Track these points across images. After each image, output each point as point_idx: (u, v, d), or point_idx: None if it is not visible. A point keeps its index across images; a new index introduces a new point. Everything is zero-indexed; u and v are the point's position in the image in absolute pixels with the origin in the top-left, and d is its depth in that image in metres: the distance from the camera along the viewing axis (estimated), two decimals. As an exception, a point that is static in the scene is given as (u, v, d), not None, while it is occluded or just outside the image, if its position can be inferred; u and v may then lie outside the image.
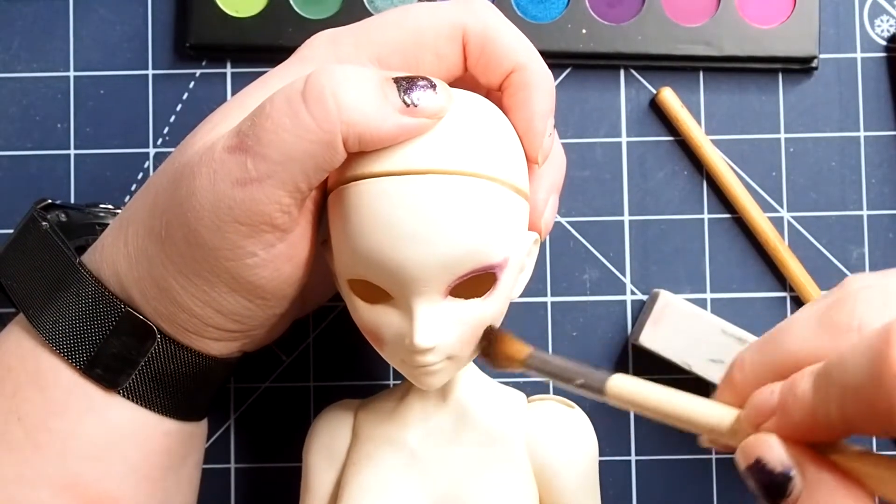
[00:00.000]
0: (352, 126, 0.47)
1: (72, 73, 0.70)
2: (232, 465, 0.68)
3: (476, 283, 0.51)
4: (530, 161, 0.53)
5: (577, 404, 0.58)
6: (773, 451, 0.42)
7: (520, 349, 0.51)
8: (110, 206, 0.63)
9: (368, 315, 0.52)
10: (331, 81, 0.48)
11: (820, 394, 0.41)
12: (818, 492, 0.41)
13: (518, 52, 0.53)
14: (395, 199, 0.48)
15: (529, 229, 0.54)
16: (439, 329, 0.50)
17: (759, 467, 0.42)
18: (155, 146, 0.69)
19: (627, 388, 0.47)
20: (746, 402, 0.44)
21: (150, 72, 0.70)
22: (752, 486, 0.43)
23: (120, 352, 0.55)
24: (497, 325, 0.53)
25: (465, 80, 0.55)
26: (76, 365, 0.54)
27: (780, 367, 0.44)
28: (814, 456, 0.42)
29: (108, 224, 0.62)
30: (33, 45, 0.70)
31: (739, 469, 0.43)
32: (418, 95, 0.49)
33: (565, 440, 0.55)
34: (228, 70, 0.70)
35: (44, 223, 0.57)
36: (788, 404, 0.42)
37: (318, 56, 0.54)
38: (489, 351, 0.52)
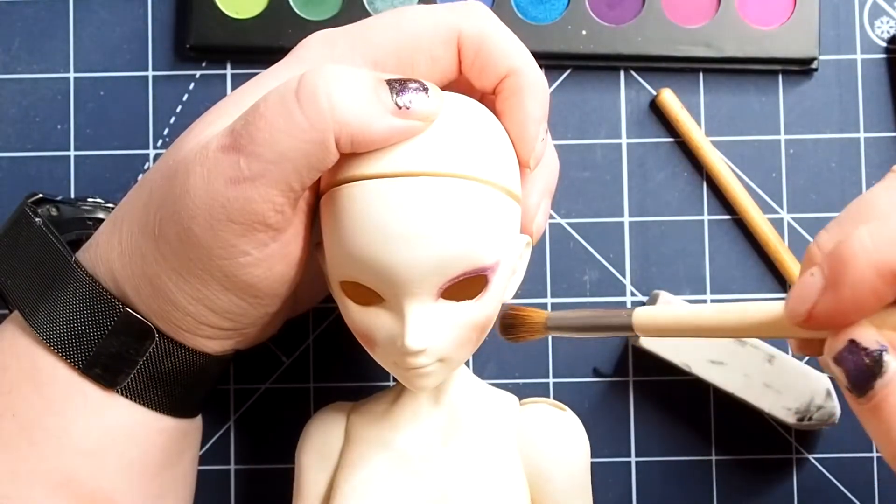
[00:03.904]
0: (344, 126, 0.48)
1: (72, 75, 0.70)
2: (232, 467, 0.68)
3: (467, 286, 0.51)
4: (522, 165, 0.54)
5: (574, 406, 0.58)
6: (866, 329, 0.41)
7: (538, 317, 0.51)
8: (100, 200, 0.63)
9: (360, 317, 0.52)
10: (324, 81, 0.48)
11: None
12: None
13: (513, 56, 0.53)
14: (386, 201, 0.48)
15: (521, 232, 0.54)
16: (431, 331, 0.50)
17: (851, 349, 0.42)
18: (155, 147, 0.70)
19: (655, 318, 0.47)
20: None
21: (150, 73, 0.70)
22: (843, 376, 0.42)
23: (119, 351, 0.55)
24: (489, 327, 0.53)
25: (459, 84, 0.55)
26: (75, 365, 0.55)
27: None
28: None
29: (98, 218, 0.62)
30: (33, 45, 0.70)
31: (828, 360, 0.43)
32: (410, 98, 0.49)
33: (557, 443, 0.55)
34: (228, 71, 0.70)
35: (37, 219, 0.57)
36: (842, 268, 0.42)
37: (314, 56, 0.55)
38: (510, 329, 0.52)
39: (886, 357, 0.41)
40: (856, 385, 0.42)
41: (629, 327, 0.48)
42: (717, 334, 0.46)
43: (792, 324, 0.43)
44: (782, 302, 0.44)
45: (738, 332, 0.46)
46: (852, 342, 0.42)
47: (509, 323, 0.52)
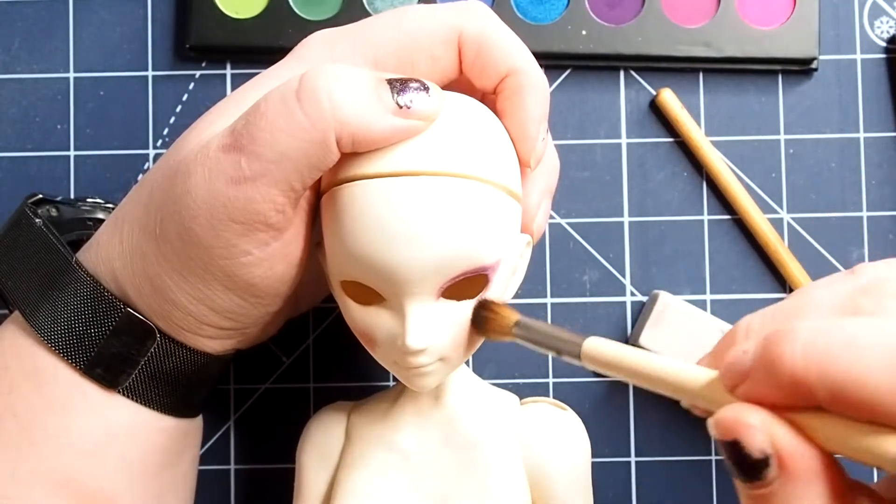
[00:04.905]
0: (345, 125, 0.48)
1: (72, 75, 0.70)
2: (232, 467, 0.68)
3: (468, 285, 0.51)
4: (523, 165, 0.54)
5: (574, 405, 0.58)
6: (754, 436, 0.39)
7: (509, 318, 0.51)
8: (100, 200, 0.63)
9: (361, 316, 0.52)
10: (325, 81, 0.48)
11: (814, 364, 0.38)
12: (794, 485, 0.39)
13: (513, 56, 0.53)
14: (386, 201, 0.48)
15: (522, 232, 0.54)
16: (431, 330, 0.50)
17: (735, 448, 0.40)
18: (155, 147, 0.70)
19: (602, 350, 0.46)
20: (721, 364, 0.42)
21: (150, 73, 0.70)
22: (725, 460, 0.40)
23: (120, 352, 0.55)
24: None
25: (460, 83, 0.55)
26: (76, 365, 0.55)
27: None
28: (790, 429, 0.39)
29: (98, 218, 0.62)
30: (33, 45, 0.70)
31: (712, 436, 0.41)
32: (411, 97, 0.49)
33: (558, 442, 0.55)
34: (228, 71, 0.70)
35: (37, 220, 0.57)
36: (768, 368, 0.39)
37: (314, 56, 0.55)
38: (479, 322, 0.52)
39: (769, 469, 0.39)
40: (738, 476, 0.40)
41: (577, 356, 0.47)
42: (652, 387, 0.45)
43: (726, 390, 0.41)
44: (714, 373, 0.42)
45: (671, 390, 0.44)
46: (736, 443, 0.40)
47: (479, 319, 0.52)
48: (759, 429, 0.39)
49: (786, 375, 0.39)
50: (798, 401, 0.39)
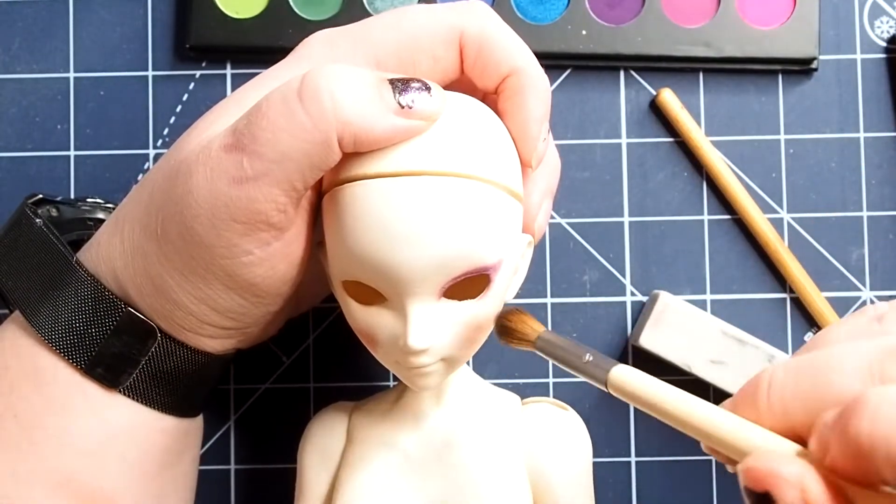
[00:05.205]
0: (347, 125, 0.48)
1: (72, 75, 0.70)
2: (232, 467, 0.68)
3: (470, 285, 0.51)
4: (524, 165, 0.54)
5: (575, 405, 0.58)
6: (787, 491, 0.38)
7: (532, 329, 0.51)
8: (100, 200, 0.63)
9: (363, 316, 0.52)
10: (327, 81, 0.48)
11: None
12: None
13: (514, 56, 0.53)
14: (388, 201, 0.48)
15: (523, 232, 0.54)
16: (433, 330, 0.50)
17: (765, 500, 0.38)
18: (155, 147, 0.69)
19: (631, 383, 0.45)
20: (812, 436, 0.39)
21: (150, 73, 0.70)
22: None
23: (121, 351, 0.55)
24: (491, 327, 0.53)
25: (461, 83, 0.55)
26: (77, 365, 0.55)
27: (817, 407, 0.40)
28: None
29: (98, 218, 0.62)
30: (33, 45, 0.70)
31: (740, 483, 0.39)
32: (413, 97, 0.49)
33: (559, 442, 0.55)
34: (228, 71, 0.70)
35: (37, 220, 0.57)
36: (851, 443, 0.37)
37: (315, 56, 0.55)
38: (503, 328, 0.52)
39: None
40: None
41: (603, 382, 0.47)
42: (680, 428, 0.44)
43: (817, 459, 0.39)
44: (757, 429, 0.41)
45: (699, 434, 0.43)
46: (768, 496, 0.38)
47: (502, 329, 0.52)
48: (793, 483, 0.38)
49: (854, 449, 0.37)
50: (865, 477, 0.37)
